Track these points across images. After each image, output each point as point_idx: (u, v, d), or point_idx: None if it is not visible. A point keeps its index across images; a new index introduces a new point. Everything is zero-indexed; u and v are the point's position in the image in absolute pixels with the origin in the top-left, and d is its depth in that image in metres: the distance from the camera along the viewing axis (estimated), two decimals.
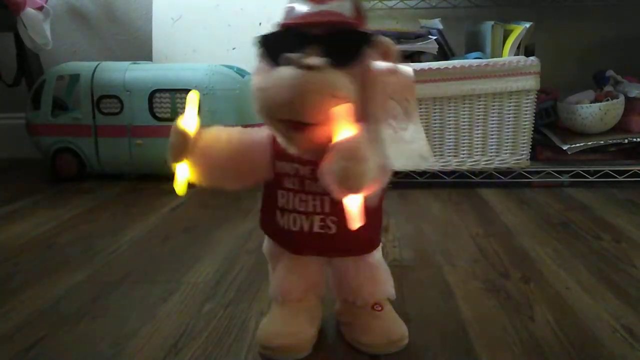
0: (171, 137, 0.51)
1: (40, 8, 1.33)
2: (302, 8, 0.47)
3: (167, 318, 0.63)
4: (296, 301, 0.56)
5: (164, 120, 1.26)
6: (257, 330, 0.56)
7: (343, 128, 0.43)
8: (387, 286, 0.57)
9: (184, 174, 0.52)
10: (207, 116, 1.24)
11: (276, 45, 0.47)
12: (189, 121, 0.51)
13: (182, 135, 0.50)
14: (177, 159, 0.51)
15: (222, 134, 0.53)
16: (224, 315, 0.63)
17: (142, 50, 1.58)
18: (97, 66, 1.29)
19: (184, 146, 0.50)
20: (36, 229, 0.96)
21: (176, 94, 1.26)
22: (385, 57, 0.49)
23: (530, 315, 0.62)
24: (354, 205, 0.43)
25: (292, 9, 0.48)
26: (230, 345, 0.57)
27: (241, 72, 1.30)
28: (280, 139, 0.51)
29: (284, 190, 0.53)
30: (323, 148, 0.45)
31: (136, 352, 0.56)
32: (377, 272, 0.57)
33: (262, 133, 0.53)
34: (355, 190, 0.42)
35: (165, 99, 1.26)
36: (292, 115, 0.45)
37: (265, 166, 0.53)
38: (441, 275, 0.74)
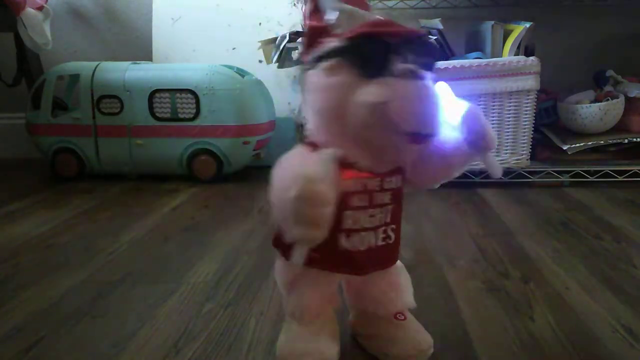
0: (308, 205, 0.39)
1: (40, 8, 1.33)
2: (364, 16, 0.47)
3: (167, 318, 0.63)
4: (315, 317, 0.53)
5: (164, 120, 1.26)
6: (278, 351, 0.52)
7: (454, 100, 0.47)
8: (408, 294, 0.55)
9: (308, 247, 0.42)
10: (207, 116, 1.25)
11: (367, 55, 0.44)
12: (329, 184, 0.41)
13: (327, 203, 0.40)
14: (318, 234, 0.41)
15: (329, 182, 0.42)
16: (224, 315, 0.63)
17: (142, 50, 1.58)
18: (97, 66, 1.30)
19: (326, 218, 0.41)
20: (36, 229, 0.96)
21: (176, 94, 1.26)
22: None
23: (530, 315, 0.62)
24: (493, 157, 0.50)
25: (353, 16, 0.47)
26: (230, 345, 0.57)
27: (241, 72, 1.30)
28: (367, 155, 0.46)
29: (352, 210, 0.48)
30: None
31: (136, 352, 0.56)
32: (400, 279, 0.55)
33: (326, 157, 0.44)
34: (494, 143, 0.48)
35: (165, 99, 1.26)
36: (418, 127, 0.43)
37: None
38: (441, 275, 0.74)
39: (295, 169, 0.41)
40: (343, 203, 0.47)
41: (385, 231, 0.50)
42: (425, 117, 0.43)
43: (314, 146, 0.47)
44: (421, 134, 0.43)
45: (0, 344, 0.58)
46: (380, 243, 0.50)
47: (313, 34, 0.48)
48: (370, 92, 0.43)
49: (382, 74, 0.43)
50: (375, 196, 0.49)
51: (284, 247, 0.52)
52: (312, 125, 0.49)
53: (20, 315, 0.64)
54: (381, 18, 0.48)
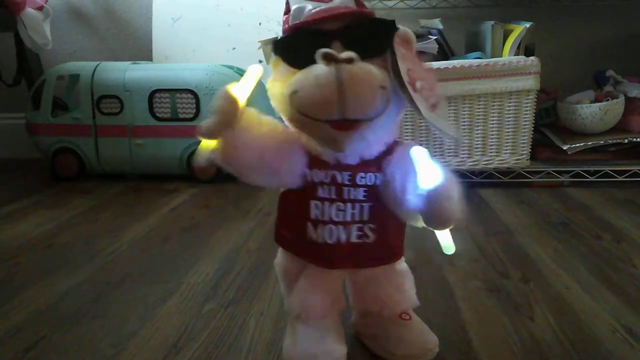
0: (218, 102, 0.44)
1: (40, 8, 1.33)
2: (309, 7, 0.46)
3: (167, 318, 0.63)
4: (321, 318, 0.52)
5: (164, 120, 1.26)
6: (284, 354, 0.52)
7: (426, 167, 0.44)
8: (412, 294, 0.55)
9: (210, 146, 0.45)
10: (207, 116, 1.24)
11: (295, 47, 0.44)
12: (242, 92, 0.45)
13: (233, 103, 0.44)
14: (218, 129, 0.44)
15: (266, 120, 0.47)
16: (224, 315, 0.63)
17: (142, 50, 1.58)
18: (97, 66, 1.29)
19: (230, 116, 0.44)
20: (36, 229, 0.96)
21: (176, 94, 1.26)
22: (405, 46, 0.47)
23: (530, 315, 0.62)
24: (447, 235, 0.46)
25: (301, 10, 0.46)
26: (230, 345, 0.57)
27: (241, 72, 1.30)
28: (318, 144, 0.47)
29: (318, 201, 0.48)
30: (366, 147, 0.46)
31: (136, 352, 0.56)
32: (405, 279, 0.55)
33: (298, 135, 0.48)
34: (449, 225, 0.45)
35: (165, 99, 1.26)
36: (339, 114, 0.41)
37: (298, 171, 0.48)
38: (441, 275, 0.74)
39: None
40: (309, 192, 0.48)
41: (361, 229, 0.49)
42: (333, 102, 0.41)
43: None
44: (347, 119, 0.42)
45: (0, 344, 0.58)
46: (354, 240, 0.49)
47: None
48: (288, 84, 0.44)
49: (310, 63, 0.42)
50: (345, 190, 0.48)
51: (284, 241, 0.53)
52: None
53: (20, 315, 0.64)
54: (330, 6, 0.46)
